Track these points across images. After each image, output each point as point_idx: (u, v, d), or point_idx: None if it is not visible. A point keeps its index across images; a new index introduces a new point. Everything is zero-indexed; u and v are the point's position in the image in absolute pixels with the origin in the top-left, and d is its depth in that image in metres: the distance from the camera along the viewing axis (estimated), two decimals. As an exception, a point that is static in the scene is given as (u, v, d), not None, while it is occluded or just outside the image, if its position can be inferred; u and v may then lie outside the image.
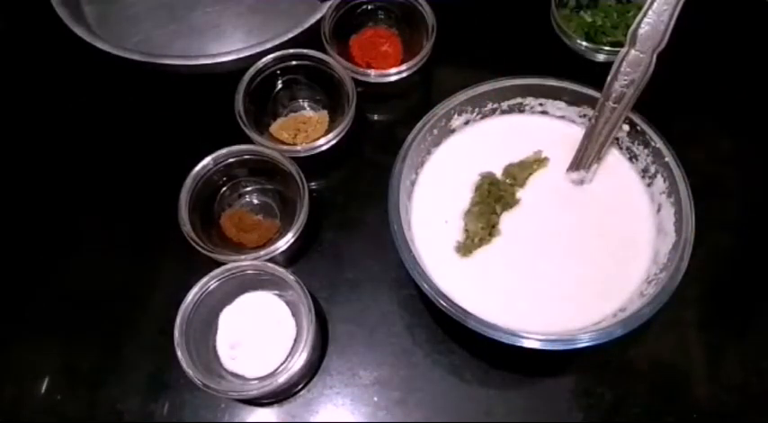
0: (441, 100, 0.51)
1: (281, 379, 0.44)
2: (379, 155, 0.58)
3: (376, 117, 0.62)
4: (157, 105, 0.63)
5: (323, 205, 0.57)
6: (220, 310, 0.49)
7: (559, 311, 0.47)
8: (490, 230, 0.50)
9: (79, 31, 0.60)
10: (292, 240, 0.49)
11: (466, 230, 0.50)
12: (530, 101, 0.53)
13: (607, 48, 0.60)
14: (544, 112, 0.54)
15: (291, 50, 0.57)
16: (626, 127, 0.51)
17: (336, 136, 0.54)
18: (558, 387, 0.49)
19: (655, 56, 0.46)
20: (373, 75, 0.58)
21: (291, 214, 0.51)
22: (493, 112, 0.54)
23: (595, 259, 0.49)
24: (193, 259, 0.50)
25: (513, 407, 0.49)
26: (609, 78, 0.48)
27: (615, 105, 0.48)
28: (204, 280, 0.47)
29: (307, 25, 0.59)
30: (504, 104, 0.54)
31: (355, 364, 0.51)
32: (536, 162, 0.52)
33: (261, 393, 0.44)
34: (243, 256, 0.48)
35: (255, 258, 0.48)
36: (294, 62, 0.57)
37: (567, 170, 0.52)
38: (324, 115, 0.59)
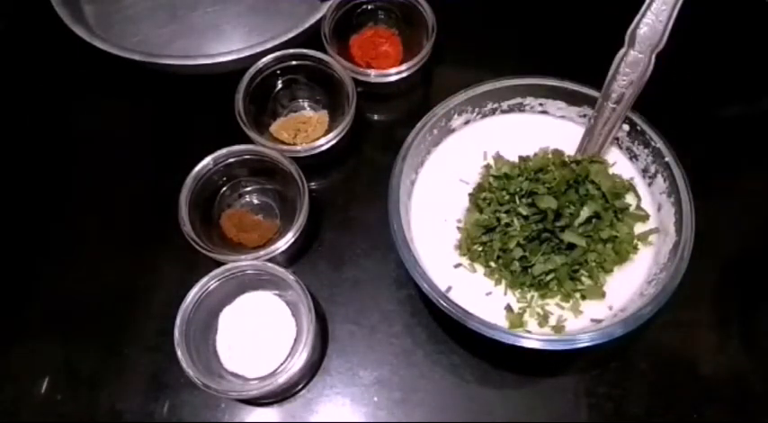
0: (441, 100, 0.51)
1: (281, 379, 0.44)
2: (379, 155, 0.58)
3: (376, 117, 0.62)
4: (157, 105, 0.63)
5: (323, 205, 0.57)
6: (220, 310, 0.49)
7: (560, 311, 0.47)
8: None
9: (79, 31, 0.60)
10: (292, 240, 0.49)
11: (465, 229, 0.50)
12: (530, 101, 0.53)
13: None
14: (544, 112, 0.54)
15: (291, 50, 0.57)
16: (626, 127, 0.51)
17: (336, 136, 0.54)
18: (558, 387, 0.49)
19: (653, 56, 0.46)
20: (373, 75, 0.58)
21: (291, 214, 0.51)
22: (493, 111, 0.54)
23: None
24: (193, 259, 0.50)
25: (513, 407, 0.49)
26: (608, 79, 0.48)
27: (615, 106, 0.48)
28: (204, 280, 0.47)
29: (307, 25, 0.59)
30: (504, 104, 0.54)
31: (355, 364, 0.51)
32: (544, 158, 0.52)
33: (261, 393, 0.44)
34: (243, 256, 0.48)
35: (255, 258, 0.48)
36: (294, 62, 0.57)
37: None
38: (324, 115, 0.60)
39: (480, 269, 0.48)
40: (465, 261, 0.49)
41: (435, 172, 0.52)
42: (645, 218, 0.49)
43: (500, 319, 0.46)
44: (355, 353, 0.51)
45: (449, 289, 0.47)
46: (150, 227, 0.56)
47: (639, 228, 0.49)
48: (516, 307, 0.47)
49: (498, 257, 0.47)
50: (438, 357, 0.51)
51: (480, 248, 0.48)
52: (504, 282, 0.47)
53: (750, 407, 0.49)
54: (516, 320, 0.46)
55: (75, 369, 0.51)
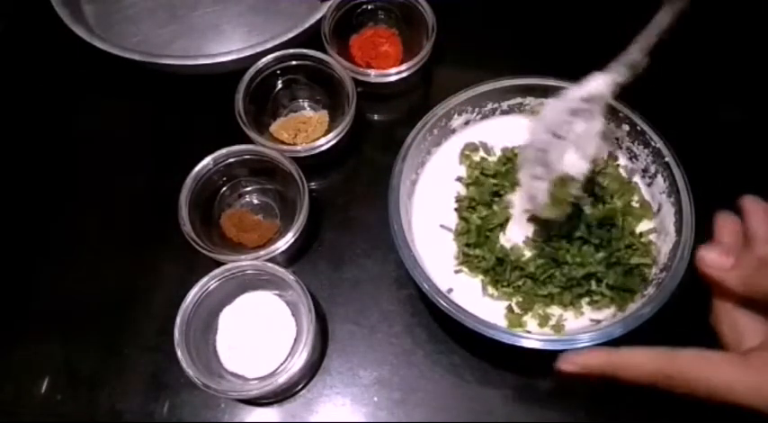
0: (441, 100, 0.51)
1: (281, 379, 0.44)
2: (379, 155, 0.58)
3: (376, 117, 0.62)
4: (157, 105, 0.63)
5: (323, 205, 0.57)
6: (220, 310, 0.49)
7: (560, 311, 0.47)
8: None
9: (79, 31, 0.60)
10: (292, 240, 0.49)
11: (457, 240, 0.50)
12: (530, 101, 0.53)
13: None
14: (544, 112, 0.54)
15: (291, 50, 0.57)
16: (626, 127, 0.51)
17: (336, 136, 0.54)
18: (558, 387, 0.49)
19: None
20: (373, 75, 0.58)
21: (291, 214, 0.51)
22: (493, 112, 0.54)
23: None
24: (193, 259, 0.50)
25: (513, 407, 0.49)
26: None
27: None
28: (204, 280, 0.47)
29: (307, 25, 0.59)
30: (504, 104, 0.54)
31: (355, 364, 0.51)
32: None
33: (261, 393, 0.44)
34: (243, 256, 0.48)
35: (255, 258, 0.48)
36: (294, 62, 0.57)
37: None
38: (324, 115, 0.60)
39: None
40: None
41: (436, 172, 0.52)
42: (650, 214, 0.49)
43: (500, 319, 0.46)
44: (355, 353, 0.51)
45: (450, 290, 0.47)
46: (150, 227, 0.56)
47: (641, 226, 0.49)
48: (517, 308, 0.47)
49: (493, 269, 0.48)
50: (438, 357, 0.51)
51: (476, 259, 0.48)
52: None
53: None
54: (515, 320, 0.46)
55: (75, 369, 0.51)
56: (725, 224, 0.42)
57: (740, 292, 0.38)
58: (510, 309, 0.47)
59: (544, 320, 0.46)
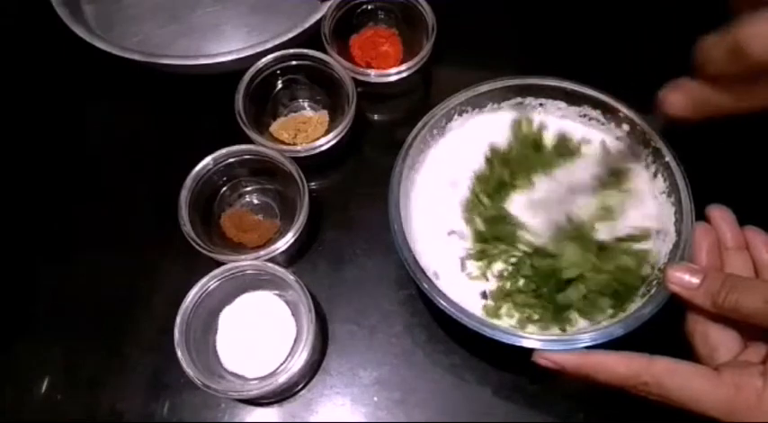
0: (441, 100, 0.51)
1: (281, 379, 0.44)
2: (379, 155, 0.58)
3: (376, 117, 0.62)
4: (157, 105, 0.63)
5: (323, 205, 0.57)
6: (220, 310, 0.49)
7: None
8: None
9: (79, 31, 0.60)
10: (292, 240, 0.49)
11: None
12: (530, 101, 0.53)
13: None
14: (544, 113, 0.54)
15: (291, 50, 0.57)
16: (626, 127, 0.51)
17: (336, 136, 0.54)
18: (558, 388, 0.49)
19: None
20: (373, 75, 0.58)
21: (291, 214, 0.51)
22: (493, 112, 0.54)
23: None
24: (193, 259, 0.50)
25: (512, 407, 0.49)
26: None
27: None
28: (204, 280, 0.47)
29: (307, 25, 0.59)
30: (505, 104, 0.54)
31: (355, 364, 0.51)
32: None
33: (261, 393, 0.44)
34: (243, 256, 0.48)
35: (255, 258, 0.48)
36: (294, 62, 0.57)
37: None
38: (324, 115, 0.60)
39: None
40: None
41: (436, 172, 0.52)
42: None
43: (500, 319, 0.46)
44: (355, 353, 0.51)
45: (449, 289, 0.47)
46: (150, 227, 0.57)
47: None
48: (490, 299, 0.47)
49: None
50: (438, 357, 0.51)
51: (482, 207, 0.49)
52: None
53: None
54: (492, 311, 0.46)
55: (76, 369, 0.51)
56: (701, 237, 0.42)
57: (709, 310, 0.38)
58: (484, 295, 0.47)
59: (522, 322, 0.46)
